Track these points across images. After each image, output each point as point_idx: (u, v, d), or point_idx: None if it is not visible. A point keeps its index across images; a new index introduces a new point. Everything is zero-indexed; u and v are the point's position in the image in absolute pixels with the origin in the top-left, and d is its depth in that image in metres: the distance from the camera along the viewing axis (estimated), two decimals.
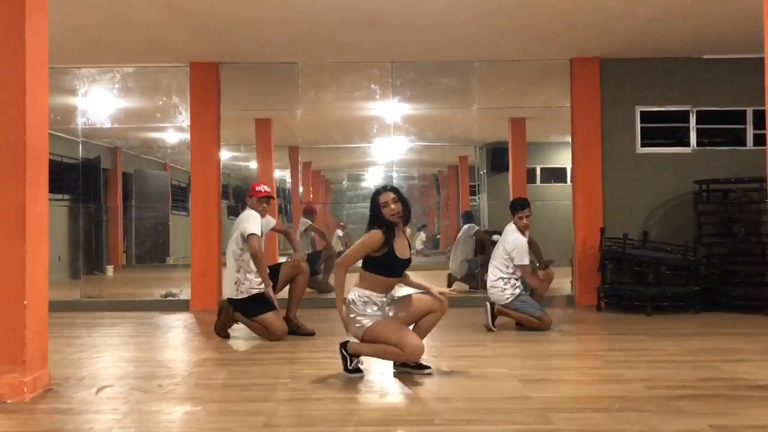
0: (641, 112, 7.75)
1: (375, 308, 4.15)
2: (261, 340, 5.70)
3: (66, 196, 10.02)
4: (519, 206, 6.01)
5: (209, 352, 5.19)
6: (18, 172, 3.72)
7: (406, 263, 4.24)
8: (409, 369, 4.24)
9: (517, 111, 9.29)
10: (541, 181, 11.99)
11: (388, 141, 8.40)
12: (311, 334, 5.68)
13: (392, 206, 4.12)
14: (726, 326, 6.13)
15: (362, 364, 4.26)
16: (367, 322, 4.09)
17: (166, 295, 8.09)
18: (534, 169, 11.27)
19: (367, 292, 4.14)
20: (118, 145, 11.63)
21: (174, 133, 9.29)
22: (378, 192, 4.21)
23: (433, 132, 9.74)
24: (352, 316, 4.13)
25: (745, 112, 7.71)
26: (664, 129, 7.82)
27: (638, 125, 7.74)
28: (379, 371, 4.35)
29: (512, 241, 5.87)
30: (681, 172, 7.60)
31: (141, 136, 10.66)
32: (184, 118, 8.06)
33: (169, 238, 12.41)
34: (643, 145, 7.74)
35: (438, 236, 11.91)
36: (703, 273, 7.08)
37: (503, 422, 3.22)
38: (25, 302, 3.70)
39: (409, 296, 4.28)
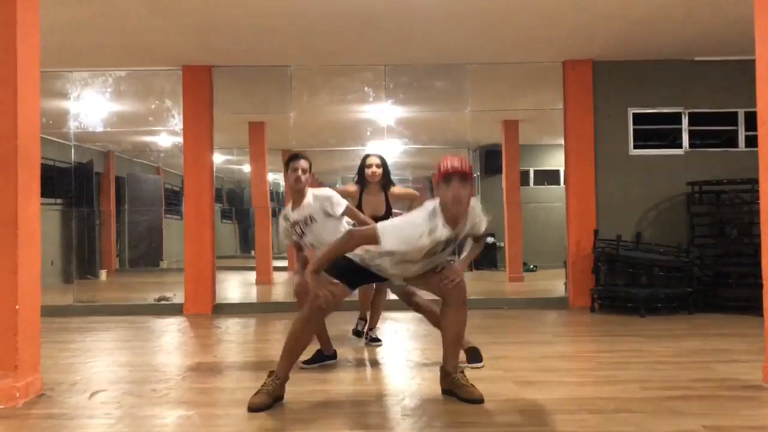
0: (634, 114, 7.77)
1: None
2: (254, 343, 5.70)
3: (58, 201, 9.97)
4: None
5: (203, 356, 5.17)
6: (9, 176, 3.70)
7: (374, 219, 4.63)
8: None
9: (511, 113, 9.31)
10: (535, 183, 12.01)
11: (382, 144, 8.39)
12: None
13: (374, 169, 5.23)
14: (719, 327, 6.15)
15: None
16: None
17: (159, 299, 8.06)
18: (527, 172, 11.30)
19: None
20: (110, 149, 11.60)
21: (167, 136, 9.26)
22: (368, 155, 5.35)
23: (426, 135, 9.74)
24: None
25: (737, 113, 7.74)
26: (656, 131, 7.85)
27: (631, 127, 7.76)
28: (372, 374, 4.35)
29: None
30: (673, 174, 7.62)
31: (134, 139, 10.62)
32: (177, 122, 8.04)
33: (162, 242, 12.38)
34: (635, 147, 7.76)
35: None
36: (696, 274, 7.11)
37: (498, 424, 3.22)
38: (17, 307, 3.68)
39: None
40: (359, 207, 5.14)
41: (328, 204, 4.35)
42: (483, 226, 3.69)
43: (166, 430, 3.25)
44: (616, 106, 7.73)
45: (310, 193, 4.43)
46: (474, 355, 4.50)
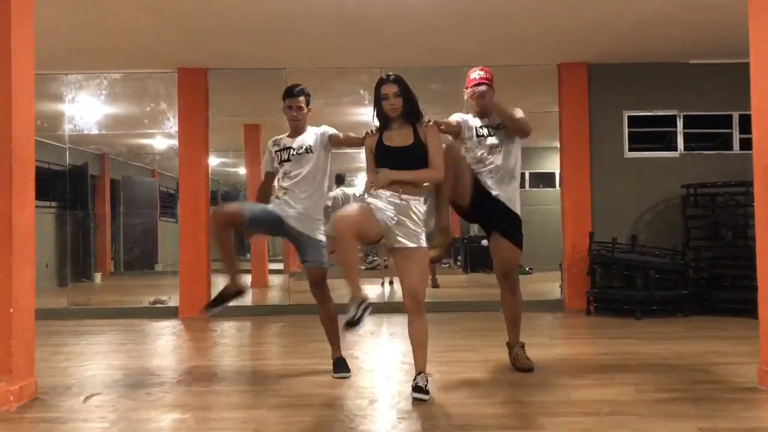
0: (629, 116, 7.78)
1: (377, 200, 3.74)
2: (249, 346, 5.68)
3: (53, 203, 9.94)
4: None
5: (198, 359, 5.16)
6: (4, 179, 3.69)
7: (395, 151, 3.79)
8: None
9: None
10: (530, 186, 12.02)
11: None
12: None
13: (392, 100, 3.80)
14: (714, 329, 6.16)
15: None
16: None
17: (154, 303, 8.04)
18: (523, 174, 11.30)
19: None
20: (105, 151, 11.57)
21: (162, 139, 9.26)
22: (381, 81, 3.85)
23: None
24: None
25: (731, 116, 7.76)
26: (651, 133, 7.87)
27: (626, 130, 7.77)
28: (368, 377, 4.34)
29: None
30: (668, 177, 7.63)
31: (129, 142, 10.60)
32: (172, 125, 8.02)
33: (157, 244, 12.35)
34: (630, 150, 7.77)
35: None
36: (691, 277, 7.12)
37: (495, 427, 3.22)
38: (11, 310, 3.67)
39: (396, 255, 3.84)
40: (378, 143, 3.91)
41: (321, 132, 4.39)
42: (519, 111, 4.60)
43: None
44: (611, 108, 7.74)
45: (310, 129, 4.45)
46: (340, 366, 4.37)
